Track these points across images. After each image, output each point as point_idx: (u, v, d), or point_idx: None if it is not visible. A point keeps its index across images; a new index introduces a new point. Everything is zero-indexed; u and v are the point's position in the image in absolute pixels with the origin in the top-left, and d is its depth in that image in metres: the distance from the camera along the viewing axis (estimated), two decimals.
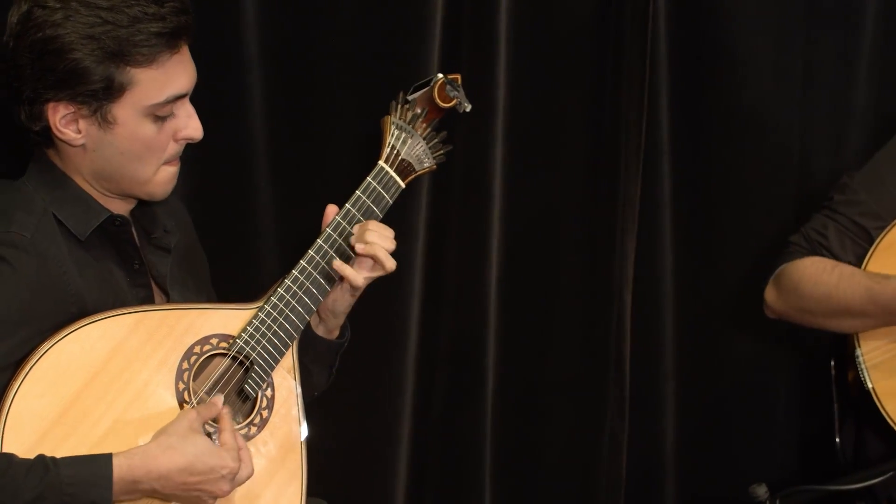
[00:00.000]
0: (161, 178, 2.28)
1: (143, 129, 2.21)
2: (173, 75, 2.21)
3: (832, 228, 2.83)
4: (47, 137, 2.23)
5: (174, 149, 2.27)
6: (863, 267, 2.78)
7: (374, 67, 3.07)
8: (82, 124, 2.20)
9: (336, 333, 2.49)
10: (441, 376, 3.25)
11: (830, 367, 2.98)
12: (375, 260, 2.37)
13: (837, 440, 2.97)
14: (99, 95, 2.16)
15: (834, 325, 2.82)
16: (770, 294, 2.88)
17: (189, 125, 2.26)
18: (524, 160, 3.22)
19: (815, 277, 2.79)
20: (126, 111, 2.19)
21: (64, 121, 2.19)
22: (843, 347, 2.89)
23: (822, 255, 2.82)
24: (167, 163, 2.27)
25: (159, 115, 2.21)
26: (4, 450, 2.05)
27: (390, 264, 2.38)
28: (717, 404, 3.39)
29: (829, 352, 3.00)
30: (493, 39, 3.11)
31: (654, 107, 3.22)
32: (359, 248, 2.35)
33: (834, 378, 2.98)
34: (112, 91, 2.17)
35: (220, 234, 2.62)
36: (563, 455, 3.34)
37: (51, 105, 2.18)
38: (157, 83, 2.19)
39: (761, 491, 2.67)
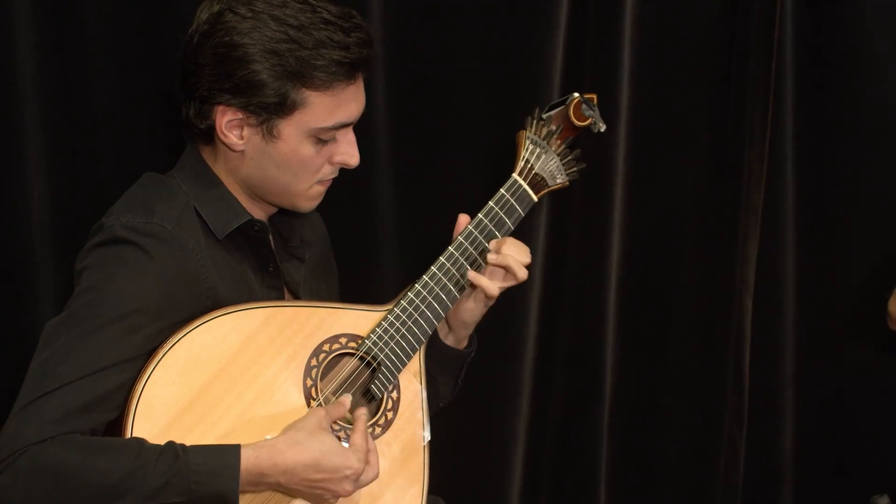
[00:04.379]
0: (311, 193, 2.29)
1: (304, 149, 2.22)
2: (345, 103, 2.21)
3: None
4: (209, 135, 2.25)
5: (328, 170, 2.28)
6: None
7: (497, 69, 3.08)
8: (247, 132, 2.21)
9: (464, 344, 2.50)
10: (559, 378, 3.26)
11: None
12: (508, 270, 2.38)
13: None
14: (270, 109, 2.18)
15: None
16: (894, 306, 2.83)
17: (348, 152, 2.27)
18: (646, 163, 3.21)
19: None
20: (292, 129, 2.20)
21: (230, 125, 2.20)
22: None
23: None
24: (320, 182, 2.29)
25: (322, 138, 2.22)
26: (135, 434, 2.07)
27: (522, 273, 2.39)
28: (837, 412, 3.33)
29: None
30: (617, 42, 3.10)
31: (779, 111, 3.18)
32: (491, 258, 2.37)
33: None
34: (284, 107, 2.18)
35: (341, 235, 2.64)
36: (680, 460, 3.32)
37: (220, 108, 2.19)
38: (328, 108, 2.20)
39: (884, 502, 2.63)
